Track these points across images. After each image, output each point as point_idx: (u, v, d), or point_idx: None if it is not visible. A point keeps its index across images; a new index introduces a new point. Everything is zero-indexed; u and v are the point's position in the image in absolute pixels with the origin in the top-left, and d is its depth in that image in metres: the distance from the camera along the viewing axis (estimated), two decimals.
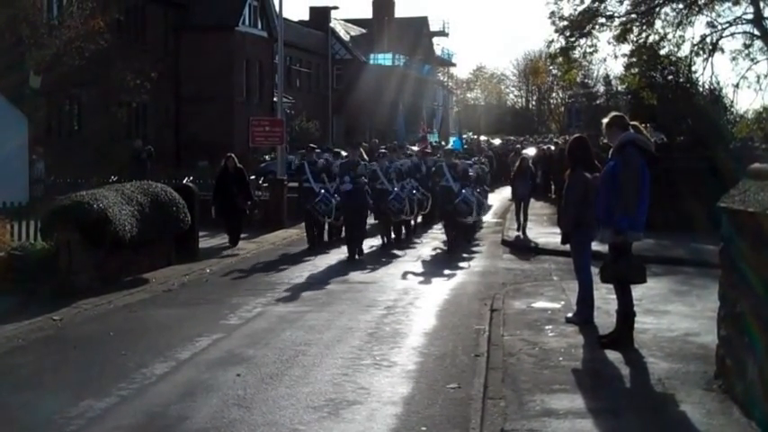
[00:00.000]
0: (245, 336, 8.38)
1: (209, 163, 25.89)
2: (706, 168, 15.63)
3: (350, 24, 55.52)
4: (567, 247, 8.70)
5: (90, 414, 5.94)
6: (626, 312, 7.32)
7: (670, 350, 7.20)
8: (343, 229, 15.23)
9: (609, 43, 24.96)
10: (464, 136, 47.70)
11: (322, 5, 47.00)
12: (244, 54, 34.12)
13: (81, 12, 22.90)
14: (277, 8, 23.81)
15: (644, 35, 24.17)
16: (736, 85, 24.25)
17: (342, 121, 47.90)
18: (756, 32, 23.60)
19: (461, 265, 13.52)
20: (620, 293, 7.33)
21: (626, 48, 24.52)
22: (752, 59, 23.83)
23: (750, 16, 23.28)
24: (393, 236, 16.02)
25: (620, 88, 24.80)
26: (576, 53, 25.22)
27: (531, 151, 29.79)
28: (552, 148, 28.79)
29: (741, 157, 15.05)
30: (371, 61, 51.95)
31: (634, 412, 5.70)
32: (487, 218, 20.72)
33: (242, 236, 16.04)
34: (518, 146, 34.69)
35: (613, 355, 7.05)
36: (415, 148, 24.30)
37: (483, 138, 49.46)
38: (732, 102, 23.52)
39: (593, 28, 24.42)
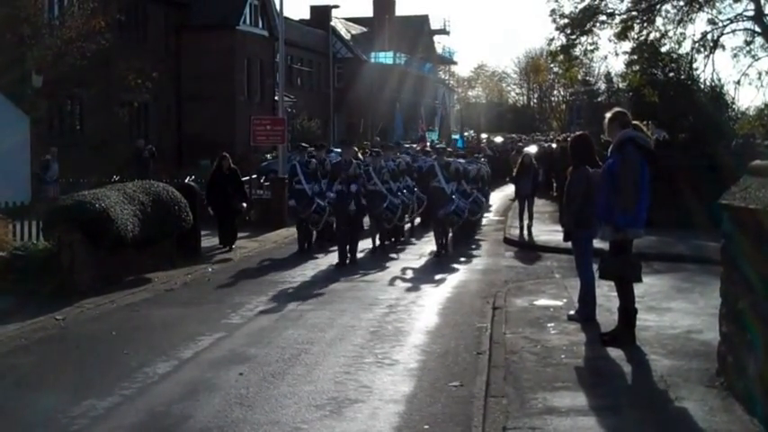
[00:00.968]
0: (248, 335, 8.39)
1: (210, 162, 25.91)
2: (707, 165, 15.63)
3: (350, 23, 55.48)
4: (569, 244, 8.71)
5: (93, 413, 5.95)
6: (628, 310, 7.32)
7: (672, 347, 7.21)
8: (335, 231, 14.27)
9: (610, 41, 24.97)
10: (465, 134, 47.70)
11: (323, 4, 47.00)
12: (245, 53, 34.13)
13: (82, 11, 22.92)
14: (278, 7, 23.79)
15: (645, 32, 24.16)
16: (738, 82, 24.25)
17: (343, 120, 47.89)
18: (757, 29, 23.58)
19: (463, 263, 13.53)
20: (621, 291, 7.34)
21: (627, 45, 24.53)
22: (753, 56, 23.83)
23: (751, 13, 23.27)
24: (386, 240, 15.15)
25: (621, 86, 24.80)
26: (577, 51, 25.22)
27: (532, 149, 29.76)
28: (554, 145, 28.79)
29: (742, 154, 15.06)
30: (372, 60, 51.91)
31: (636, 409, 5.70)
32: (489, 216, 20.76)
33: (244, 235, 16.05)
34: (519, 144, 34.58)
35: (615, 353, 7.06)
36: (417, 147, 24.22)
37: (484, 136, 49.44)
38: (733, 99, 23.53)
39: (593, 25, 24.42)
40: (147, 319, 9.24)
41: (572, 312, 8.52)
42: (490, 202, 20.75)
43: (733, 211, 5.88)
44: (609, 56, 64.15)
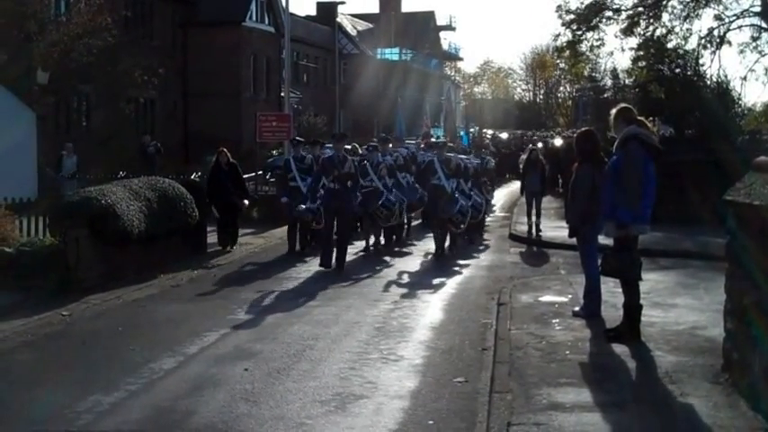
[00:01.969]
0: (253, 330, 8.41)
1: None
2: (713, 162, 15.58)
3: (356, 19, 55.47)
4: (575, 240, 8.70)
5: (99, 408, 5.97)
6: (633, 306, 7.32)
7: (677, 343, 7.20)
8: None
9: (616, 37, 24.97)
10: (471, 130, 47.62)
11: (329, 0, 46.95)
12: (251, 49, 34.15)
13: (88, 7, 22.96)
14: (284, 3, 23.81)
15: (651, 28, 24.15)
16: (744, 78, 24.26)
17: (349, 116, 47.88)
18: (764, 25, 23.53)
19: (468, 259, 13.52)
20: (626, 287, 7.33)
21: (633, 41, 24.51)
22: (759, 52, 23.81)
23: (758, 9, 23.22)
24: (384, 239, 14.33)
25: (627, 82, 24.72)
26: (583, 47, 25.21)
27: (538, 145, 29.69)
28: (557, 142, 28.73)
29: (749, 150, 15.00)
30: (378, 56, 51.89)
31: (641, 406, 5.69)
32: (495, 212, 20.72)
33: (249, 231, 16.05)
34: (533, 140, 34.03)
35: (620, 349, 7.05)
36: (419, 142, 24.06)
37: (490, 132, 49.31)
38: (740, 95, 23.46)
39: (599, 21, 24.40)
40: (153, 315, 9.27)
41: (577, 308, 8.51)
42: (493, 202, 20.43)
43: (737, 208, 5.86)
44: (615, 52, 64.18)
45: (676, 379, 6.19)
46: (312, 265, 12.77)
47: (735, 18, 24.07)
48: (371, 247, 14.06)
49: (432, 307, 9.68)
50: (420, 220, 17.22)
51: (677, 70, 20.98)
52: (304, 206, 12.83)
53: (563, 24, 24.79)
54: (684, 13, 24.07)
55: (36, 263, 10.22)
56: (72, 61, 22.63)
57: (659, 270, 10.93)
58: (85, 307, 9.57)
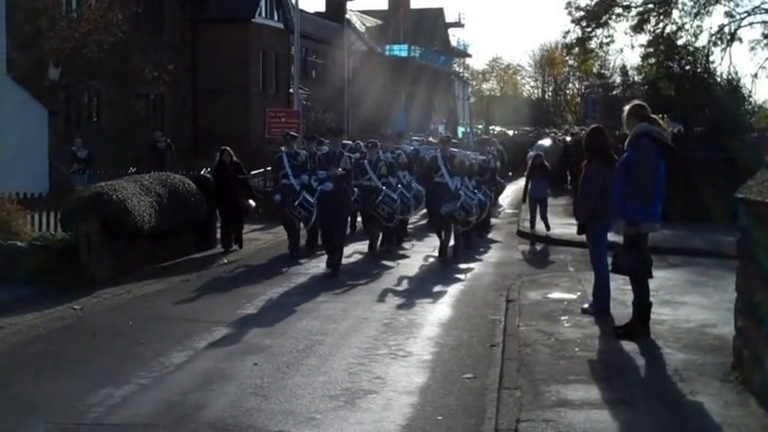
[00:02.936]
0: (262, 325, 8.44)
1: None
2: (723, 159, 15.54)
3: (365, 15, 55.44)
4: (584, 237, 8.69)
5: (110, 402, 6.01)
6: (642, 303, 7.31)
7: (687, 341, 7.19)
8: (320, 236, 12.86)
9: (626, 33, 24.90)
10: (479, 126, 47.53)
11: None
12: (260, 46, 34.18)
13: (99, 4, 23.08)
14: (293, 0, 23.83)
15: (661, 25, 24.07)
16: (755, 75, 24.17)
17: (357, 113, 47.89)
18: None
19: (477, 256, 13.52)
20: (636, 284, 7.32)
21: (643, 38, 24.44)
22: None
23: None
24: (387, 240, 13.67)
25: (636, 79, 24.65)
26: (593, 43, 25.16)
27: (546, 142, 29.62)
28: (568, 138, 28.68)
29: (759, 147, 14.95)
30: (387, 52, 51.87)
31: (650, 403, 5.69)
32: (503, 207, 20.73)
33: (258, 227, 16.08)
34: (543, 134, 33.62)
35: (629, 346, 7.05)
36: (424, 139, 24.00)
37: (497, 128, 49.20)
38: (750, 92, 23.41)
39: (609, 18, 24.33)
40: (163, 310, 9.31)
41: (586, 305, 8.51)
42: (500, 201, 20.26)
43: (750, 205, 5.85)
44: (625, 49, 64.05)
45: (686, 377, 6.18)
46: (320, 261, 12.79)
47: (746, 15, 23.98)
48: (380, 246, 13.55)
49: (440, 303, 9.70)
50: (426, 220, 16.91)
51: (687, 67, 20.91)
52: (279, 197, 12.76)
53: (572, 21, 24.75)
54: (695, 10, 23.99)
55: (48, 257, 10.30)
56: (83, 57, 22.76)
57: (669, 268, 10.92)
58: (96, 301, 9.63)
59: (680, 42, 23.29)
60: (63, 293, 9.72)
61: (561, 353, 6.95)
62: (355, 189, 12.76)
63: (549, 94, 78.09)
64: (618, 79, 28.89)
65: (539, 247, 14.83)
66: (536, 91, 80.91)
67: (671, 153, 7.24)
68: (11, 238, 10.69)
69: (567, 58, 35.51)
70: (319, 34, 43.63)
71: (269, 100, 32.73)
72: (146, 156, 22.96)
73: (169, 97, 31.20)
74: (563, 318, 8.27)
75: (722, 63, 24.15)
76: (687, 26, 24.09)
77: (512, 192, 24.84)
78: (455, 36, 65.68)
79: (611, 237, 8.20)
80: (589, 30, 24.69)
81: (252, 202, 14.20)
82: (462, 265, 12.41)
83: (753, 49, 24.83)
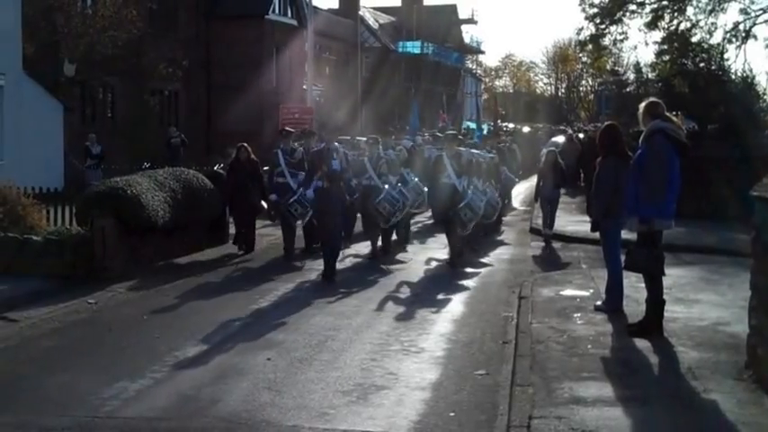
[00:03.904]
0: (275, 320, 8.47)
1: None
2: (738, 156, 15.45)
3: (379, 12, 55.45)
4: (597, 234, 8.67)
5: (124, 395, 6.07)
6: (655, 301, 7.29)
7: (700, 339, 7.17)
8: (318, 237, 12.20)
9: (639, 30, 24.81)
10: (491, 123, 47.38)
11: None
12: (273, 42, 34.23)
13: (114, 1, 23.19)
14: None
15: (675, 22, 23.93)
16: None
17: (370, 109, 47.90)
18: None
19: (489, 252, 13.50)
20: (649, 282, 7.31)
21: (657, 35, 24.31)
22: None
23: None
24: (387, 244, 13.00)
25: (650, 76, 24.53)
26: (607, 40, 25.05)
27: (560, 139, 29.46)
28: (581, 135, 28.55)
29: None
30: (400, 49, 51.83)
31: (663, 401, 5.69)
32: (515, 205, 20.68)
33: (270, 223, 16.06)
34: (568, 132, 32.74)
35: (642, 344, 7.04)
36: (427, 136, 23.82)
37: (511, 125, 48.99)
38: (765, 89, 23.22)
39: (623, 15, 24.22)
40: (177, 304, 9.37)
41: (599, 303, 8.49)
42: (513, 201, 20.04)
43: (765, 203, 5.83)
44: (638, 45, 63.70)
45: (699, 375, 6.17)
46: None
47: (761, 12, 23.79)
48: (374, 254, 12.67)
49: (452, 300, 9.70)
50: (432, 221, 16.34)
51: (701, 64, 20.80)
52: (274, 196, 12.34)
53: (586, 18, 24.64)
54: (709, 7, 23.83)
55: (63, 251, 10.39)
56: (98, 53, 22.90)
57: (682, 265, 10.87)
58: (111, 295, 9.70)
59: (694, 39, 23.17)
60: (78, 287, 9.80)
61: (574, 350, 6.95)
62: (354, 189, 12.43)
63: (563, 91, 77.82)
64: (631, 76, 28.78)
65: (552, 244, 14.77)
66: (549, 88, 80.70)
67: (685, 151, 7.21)
68: (26, 233, 10.78)
69: (581, 55, 35.36)
70: (332, 31, 43.65)
71: (282, 96, 32.79)
72: (160, 151, 23.06)
73: (183, 93, 31.33)
74: (576, 315, 8.26)
75: (737, 60, 24.10)
76: (702, 23, 23.94)
77: (524, 189, 24.78)
78: (468, 33, 65.64)
79: (625, 234, 8.18)
80: (603, 27, 24.58)
81: (264, 204, 13.36)
82: (475, 262, 12.40)
83: None
